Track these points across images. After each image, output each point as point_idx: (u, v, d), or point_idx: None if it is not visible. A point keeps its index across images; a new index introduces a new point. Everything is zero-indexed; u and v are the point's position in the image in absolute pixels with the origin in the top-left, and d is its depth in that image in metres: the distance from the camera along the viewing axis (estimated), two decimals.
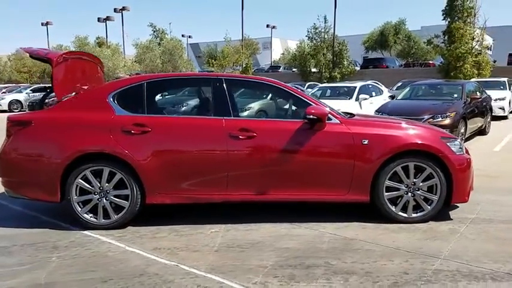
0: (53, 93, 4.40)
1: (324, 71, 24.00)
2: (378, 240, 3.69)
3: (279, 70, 35.03)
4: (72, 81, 4.52)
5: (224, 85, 4.17)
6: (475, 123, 9.57)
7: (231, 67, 29.41)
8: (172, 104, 4.64)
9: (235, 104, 4.25)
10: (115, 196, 4.01)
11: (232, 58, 29.68)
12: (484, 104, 10.48)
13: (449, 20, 20.21)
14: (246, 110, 6.32)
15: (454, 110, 8.66)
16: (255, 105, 10.03)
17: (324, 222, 4.12)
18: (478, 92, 10.39)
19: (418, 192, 4.07)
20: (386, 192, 4.05)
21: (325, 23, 24.79)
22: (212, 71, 30.11)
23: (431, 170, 4.02)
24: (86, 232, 3.97)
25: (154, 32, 33.54)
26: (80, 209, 4.02)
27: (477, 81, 12.99)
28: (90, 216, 4.04)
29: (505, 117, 13.84)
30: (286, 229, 3.99)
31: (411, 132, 4.15)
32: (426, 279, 2.95)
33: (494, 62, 22.13)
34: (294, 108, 4.29)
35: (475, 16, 19.59)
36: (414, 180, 4.05)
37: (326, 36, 24.48)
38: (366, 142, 3.99)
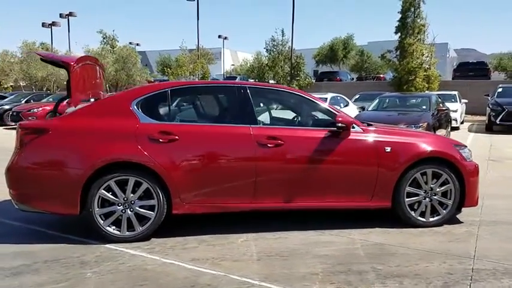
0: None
1: (282, 82, 24.45)
2: (407, 244, 3.83)
3: (236, 81, 35.22)
4: (84, 87, 4.31)
5: (249, 93, 4.17)
6: (440, 133, 10.22)
7: (187, 76, 29.10)
8: (197, 112, 4.54)
9: (259, 112, 4.26)
10: (140, 207, 3.85)
11: (188, 67, 29.40)
12: (446, 115, 11.25)
13: (401, 36, 21.48)
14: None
15: (425, 121, 9.20)
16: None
17: (347, 229, 4.20)
18: (441, 104, 11.13)
19: (435, 197, 4.29)
20: (406, 198, 4.23)
21: (282, 36, 25.42)
22: (167, 80, 29.66)
23: (447, 175, 4.26)
24: (108, 246, 3.77)
25: (104, 38, 32.42)
26: (102, 221, 3.81)
27: (411, 95, 13.91)
28: (113, 229, 3.84)
29: (457, 128, 14.88)
30: (315, 236, 4.03)
31: (428, 140, 4.39)
32: (473, 279, 3.11)
33: (439, 76, 23.72)
34: (316, 116, 4.36)
35: (424, 33, 21.00)
36: (431, 185, 4.27)
37: (283, 49, 25.06)
38: (388, 150, 4.15)
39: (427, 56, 20.73)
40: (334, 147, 4.09)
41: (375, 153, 4.14)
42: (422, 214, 4.30)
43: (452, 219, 4.43)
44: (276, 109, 4.67)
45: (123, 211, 3.83)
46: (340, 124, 4.03)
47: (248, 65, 28.95)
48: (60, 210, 3.87)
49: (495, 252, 3.61)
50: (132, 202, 3.84)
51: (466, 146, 4.53)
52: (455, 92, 16.87)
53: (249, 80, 32.51)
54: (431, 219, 4.31)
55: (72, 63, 4.00)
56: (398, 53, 21.69)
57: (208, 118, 4.35)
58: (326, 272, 3.23)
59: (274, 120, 4.46)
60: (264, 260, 3.47)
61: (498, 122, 14.14)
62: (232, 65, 54.72)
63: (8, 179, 3.88)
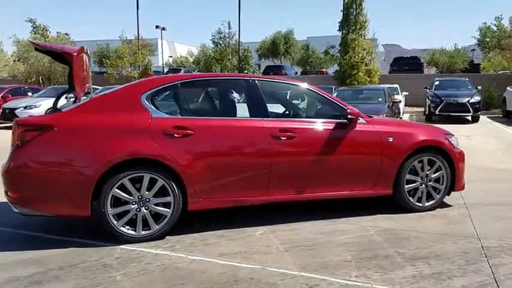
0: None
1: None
2: (414, 228, 4.07)
3: (180, 73, 34.46)
4: (83, 79, 4.03)
5: (259, 86, 4.16)
6: None
7: (127, 68, 27.99)
8: (209, 105, 4.42)
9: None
10: (155, 204, 3.71)
11: (128, 58, 28.26)
12: (397, 106, 11.96)
13: (343, 31, 22.33)
14: None
15: (384, 112, 9.74)
16: None
17: (353, 217, 4.35)
18: (393, 96, 11.81)
19: (430, 183, 4.59)
20: (406, 185, 4.48)
21: (229, 28, 25.33)
22: (105, 72, 28.32)
23: (440, 162, 4.58)
24: (123, 247, 3.59)
25: (34, 28, 30.16)
26: (115, 221, 3.62)
27: (367, 88, 14.69)
28: (127, 229, 3.66)
29: (400, 119, 15.86)
30: (328, 226, 4.13)
31: (424, 130, 4.67)
32: (487, 256, 3.39)
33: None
34: (324, 108, 4.46)
35: (365, 29, 22.00)
36: (427, 172, 4.56)
37: (231, 42, 24.99)
38: (391, 140, 4.36)
39: (368, 51, 21.72)
40: (343, 139, 4.22)
41: (379, 143, 4.33)
42: (419, 199, 4.58)
43: (442, 203, 4.76)
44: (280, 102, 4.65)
45: (138, 210, 3.67)
46: (350, 116, 4.16)
47: (193, 57, 28.38)
48: (69, 213, 3.61)
49: (493, 231, 3.96)
50: (147, 200, 3.68)
51: (454, 135, 4.88)
52: (397, 85, 17.93)
53: (194, 72, 32.06)
54: (426, 204, 4.60)
55: (74, 54, 3.73)
56: (341, 48, 22.49)
57: (221, 111, 4.26)
58: (357, 259, 3.34)
59: (284, 113, 4.49)
60: (292, 251, 3.51)
61: (437, 113, 15.27)
62: (170, 56, 53.41)
63: (7, 181, 3.54)
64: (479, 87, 16.68)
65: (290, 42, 37.75)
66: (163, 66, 43.46)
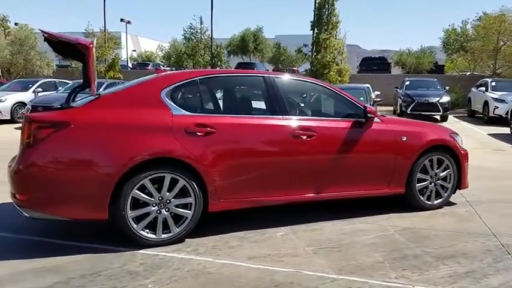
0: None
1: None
2: (430, 226, 4.10)
3: (148, 68, 33.57)
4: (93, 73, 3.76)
5: (277, 83, 4.05)
6: None
7: (94, 61, 26.92)
8: (229, 103, 4.24)
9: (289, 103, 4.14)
10: (176, 206, 3.53)
11: (95, 52, 27.22)
12: (375, 105, 12.18)
13: (316, 31, 22.53)
14: None
15: None
16: None
17: (368, 216, 4.33)
18: (372, 95, 12.01)
19: (438, 182, 4.66)
20: (417, 183, 4.53)
21: (201, 24, 24.93)
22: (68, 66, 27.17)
23: (448, 161, 4.66)
24: (143, 251, 3.39)
25: None
26: (135, 225, 3.41)
27: (347, 87, 14.93)
28: (147, 232, 3.47)
29: None
30: (347, 226, 4.09)
31: (434, 129, 4.74)
32: (510, 253, 3.47)
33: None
34: (341, 107, 4.41)
35: (337, 29, 22.29)
36: (436, 171, 4.63)
37: (203, 37, 24.59)
38: (404, 139, 4.38)
39: (339, 51, 22.04)
40: (360, 137, 4.19)
41: (394, 142, 4.34)
42: (428, 198, 4.64)
43: (447, 201, 4.84)
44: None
45: (158, 212, 3.48)
46: (370, 115, 4.14)
47: (163, 51, 27.68)
48: (85, 216, 3.37)
49: (505, 229, 4.05)
50: (168, 201, 3.50)
51: (458, 134, 4.99)
52: (368, 85, 18.31)
53: (162, 67, 31.36)
54: (435, 202, 4.67)
55: (90, 46, 3.47)
56: (313, 47, 22.70)
57: (241, 109, 4.11)
58: (388, 260, 3.32)
59: (302, 111, 4.40)
60: (321, 253, 3.44)
61: (409, 112, 15.71)
62: (134, 50, 52.06)
63: (17, 183, 3.25)
64: (447, 88, 17.33)
65: (259, 40, 37.72)
66: (127, 60, 42.28)
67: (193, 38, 24.63)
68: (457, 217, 4.44)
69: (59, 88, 15.70)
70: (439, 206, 4.69)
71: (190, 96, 3.76)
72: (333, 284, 2.90)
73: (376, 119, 4.33)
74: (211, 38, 24.82)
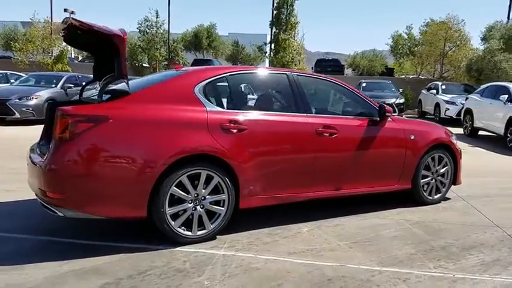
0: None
1: (158, 67, 23.48)
2: (439, 220, 4.35)
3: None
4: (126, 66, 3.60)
5: (300, 81, 4.11)
6: None
7: (40, 53, 25.35)
8: (257, 100, 4.19)
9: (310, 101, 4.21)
10: (210, 203, 3.48)
11: (41, 43, 25.61)
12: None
13: (275, 30, 22.81)
14: None
15: None
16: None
17: (377, 212, 4.51)
18: None
19: (438, 178, 4.96)
20: (422, 179, 4.79)
21: (157, 17, 24.25)
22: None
23: (447, 159, 4.97)
24: (179, 249, 3.33)
25: None
26: (173, 222, 3.32)
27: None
28: (183, 230, 3.39)
29: None
30: (364, 220, 4.23)
31: (435, 129, 5.02)
32: None
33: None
34: (357, 105, 4.53)
35: (296, 30, 22.71)
36: (436, 168, 4.92)
37: (158, 31, 23.94)
38: (412, 137, 4.62)
39: (298, 52, 22.49)
40: (376, 136, 4.36)
41: (404, 140, 4.56)
42: (430, 193, 4.92)
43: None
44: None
45: (194, 209, 3.41)
46: (388, 113, 4.32)
47: None
48: (123, 214, 3.22)
49: (505, 221, 4.38)
50: (203, 198, 3.44)
51: (452, 133, 5.32)
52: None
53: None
54: (435, 197, 4.96)
55: (125, 37, 3.30)
56: (272, 46, 22.97)
57: (268, 106, 4.10)
58: (420, 251, 3.49)
59: (323, 109, 4.47)
60: (355, 247, 3.54)
61: None
62: None
63: (50, 180, 3.04)
64: (401, 90, 18.30)
65: (213, 36, 37.43)
66: (71, 52, 40.20)
67: (147, 31, 23.91)
68: (458, 211, 4.75)
69: (12, 81, 14.64)
70: (438, 201, 4.99)
71: (221, 92, 3.71)
72: (382, 276, 3.02)
73: (388, 118, 4.52)
74: (168, 32, 24.27)
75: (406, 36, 27.75)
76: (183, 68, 4.21)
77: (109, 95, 3.34)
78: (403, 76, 29.67)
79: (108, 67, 4.12)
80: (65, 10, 47.78)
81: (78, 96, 4.28)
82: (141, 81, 3.77)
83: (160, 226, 3.29)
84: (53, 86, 12.71)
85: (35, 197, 4.27)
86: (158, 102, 3.36)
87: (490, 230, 4.12)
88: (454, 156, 5.02)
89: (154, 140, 3.21)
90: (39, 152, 3.52)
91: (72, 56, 37.98)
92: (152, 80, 3.86)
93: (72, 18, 3.23)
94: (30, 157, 3.54)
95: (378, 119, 4.40)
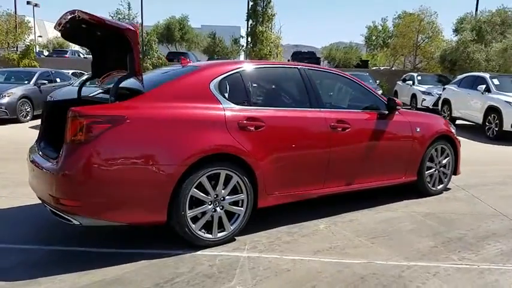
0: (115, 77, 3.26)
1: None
2: (446, 210, 4.40)
3: (66, 55, 30.90)
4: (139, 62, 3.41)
5: (312, 75, 4.03)
6: None
7: (5, 48, 24.22)
8: (271, 95, 4.04)
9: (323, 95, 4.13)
10: (230, 203, 3.37)
11: (5, 37, 24.47)
12: None
13: (252, 23, 22.60)
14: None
15: None
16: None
17: (387, 204, 4.52)
18: None
19: (441, 169, 5.02)
20: (426, 171, 4.83)
21: (129, 9, 23.57)
22: None
23: (448, 150, 5.03)
24: (199, 253, 3.20)
25: None
26: (194, 225, 3.19)
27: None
28: (204, 232, 3.26)
29: None
30: (377, 215, 4.21)
31: (438, 120, 5.07)
32: None
33: None
34: (366, 99, 4.49)
35: (272, 22, 22.58)
36: (439, 159, 4.98)
37: None
38: (418, 130, 4.64)
39: (275, 45, 22.40)
40: (385, 129, 4.34)
41: (411, 133, 4.57)
42: (433, 184, 4.97)
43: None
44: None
45: (214, 210, 3.29)
46: (398, 106, 4.31)
47: None
48: (143, 219, 3.06)
49: (508, 209, 4.49)
50: (223, 199, 3.32)
51: (452, 124, 5.39)
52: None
53: (84, 56, 29.28)
54: (438, 188, 5.02)
55: (138, 31, 3.12)
56: (250, 39, 22.78)
57: (283, 101, 3.99)
58: (439, 243, 3.51)
59: (335, 104, 4.40)
60: (377, 242, 3.51)
61: None
62: (40, 36, 47.71)
63: (65, 186, 2.84)
64: (378, 81, 18.55)
65: (186, 29, 36.82)
66: (36, 47, 38.67)
67: None
68: (462, 201, 4.82)
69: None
70: (441, 192, 5.05)
71: (235, 88, 3.57)
72: (411, 271, 3.00)
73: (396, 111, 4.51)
74: (141, 26, 23.63)
75: (380, 28, 28.16)
76: (191, 63, 4.05)
77: (118, 94, 3.16)
78: (376, 68, 30.16)
79: (109, 63, 3.93)
80: (28, 3, 45.68)
81: (76, 94, 4.04)
82: (150, 78, 3.59)
83: (181, 230, 3.15)
84: (26, 82, 12.11)
85: (34, 203, 4.11)
86: (174, 100, 3.20)
87: (497, 219, 4.19)
88: (455, 146, 5.09)
89: (173, 140, 3.06)
90: (43, 155, 3.30)
91: (37, 51, 36.50)
92: (163, 76, 3.68)
93: (81, 11, 3.02)
94: (33, 160, 3.32)
95: (386, 112, 4.39)
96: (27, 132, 9.31)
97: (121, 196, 2.92)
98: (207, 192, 3.23)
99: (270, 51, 22.02)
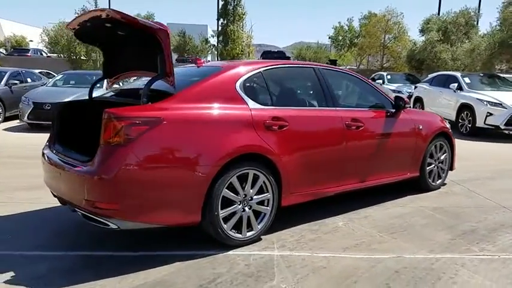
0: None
1: (100, 59, 22.21)
2: (451, 204, 4.58)
3: (28, 54, 29.54)
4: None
5: (326, 75, 4.09)
6: None
7: None
8: (291, 95, 4.02)
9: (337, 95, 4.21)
10: (257, 203, 3.38)
11: None
12: None
13: (223, 21, 22.53)
14: None
15: None
16: None
17: (393, 200, 4.65)
18: None
19: (440, 165, 5.22)
20: (427, 167, 5.01)
21: (95, 6, 22.79)
22: None
23: (446, 146, 5.25)
24: (230, 252, 3.19)
25: None
26: (225, 225, 3.18)
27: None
28: (234, 232, 3.26)
29: None
30: (388, 211, 4.32)
31: (436, 118, 5.26)
32: None
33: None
34: (374, 98, 4.59)
35: (243, 21, 22.60)
36: (438, 155, 5.18)
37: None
38: (420, 127, 4.81)
39: (247, 44, 22.44)
40: (393, 127, 4.47)
41: (415, 130, 4.74)
42: (433, 179, 5.17)
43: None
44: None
45: (243, 210, 3.29)
46: (407, 105, 4.45)
47: (45, 36, 24.51)
48: (179, 221, 3.02)
49: (506, 202, 4.72)
50: (251, 198, 3.32)
51: (447, 120, 5.61)
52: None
53: (44, 54, 28.16)
54: (437, 183, 5.23)
55: (169, 32, 3.05)
56: (221, 38, 22.69)
57: (302, 101, 4.01)
58: (456, 236, 3.66)
59: (347, 103, 4.46)
60: (399, 238, 3.60)
61: None
62: None
63: (103, 190, 2.75)
64: None
65: None
66: None
67: None
68: (461, 195, 5.03)
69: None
70: (439, 187, 5.26)
71: (258, 88, 3.58)
72: (440, 263, 3.12)
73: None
74: None
75: (347, 28, 28.82)
76: (209, 63, 4.01)
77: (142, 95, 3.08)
78: (343, 67, 30.80)
79: (121, 64, 3.83)
80: None
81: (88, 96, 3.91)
82: (183, 76, 3.53)
83: (214, 230, 3.13)
84: None
85: (38, 208, 3.99)
86: (203, 101, 3.16)
87: (500, 211, 4.42)
88: (452, 143, 5.31)
89: (207, 141, 3.03)
90: (66, 157, 3.18)
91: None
92: (187, 77, 3.61)
93: (113, 10, 2.93)
94: (56, 163, 3.20)
95: (393, 110, 4.52)
96: (0, 135, 8.89)
97: (159, 198, 2.87)
98: (236, 192, 3.23)
99: (242, 51, 22.03)
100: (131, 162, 2.74)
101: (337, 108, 4.01)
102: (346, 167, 4.05)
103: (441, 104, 12.29)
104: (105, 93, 4.02)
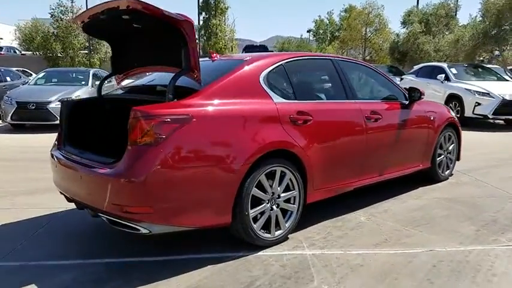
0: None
1: (77, 56, 21.60)
2: (465, 195, 4.57)
3: (2, 52, 28.42)
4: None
5: (344, 67, 4.00)
6: None
7: None
8: (312, 88, 3.87)
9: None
10: (284, 201, 3.26)
11: None
12: None
13: (205, 15, 22.18)
14: None
15: None
16: None
17: (406, 193, 4.62)
18: None
19: (448, 155, 5.22)
20: (437, 158, 5.00)
21: (72, 2, 22.10)
22: None
23: (453, 136, 5.25)
24: (262, 253, 3.09)
25: None
26: (255, 225, 3.05)
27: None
28: (263, 232, 3.14)
29: None
30: (403, 204, 4.27)
31: (444, 109, 5.24)
32: None
33: None
34: (389, 90, 4.52)
35: (225, 15, 22.32)
36: (447, 145, 5.17)
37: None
38: (432, 118, 4.78)
39: (230, 38, 22.20)
40: (408, 118, 4.43)
41: (427, 121, 4.71)
42: (442, 170, 5.17)
43: None
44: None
45: (271, 209, 3.17)
46: (423, 96, 4.40)
47: (21, 32, 23.57)
48: (211, 222, 2.87)
49: None
50: (278, 196, 3.21)
51: (452, 111, 5.61)
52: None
53: (22, 52, 27.21)
54: (446, 173, 5.23)
55: (194, 23, 2.88)
56: (204, 32, 22.37)
57: (323, 94, 3.90)
58: (480, 227, 3.63)
59: (364, 95, 4.36)
60: (424, 231, 3.54)
61: None
62: None
63: (134, 193, 2.58)
64: None
65: None
66: None
67: (62, 16, 21.65)
68: (471, 185, 5.05)
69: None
70: (447, 177, 5.26)
71: (280, 81, 3.44)
72: (473, 254, 3.08)
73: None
74: None
75: (327, 22, 28.90)
76: (221, 56, 3.85)
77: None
78: None
79: (131, 59, 3.64)
80: None
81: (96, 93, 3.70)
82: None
83: (244, 231, 3.00)
84: None
85: (44, 213, 3.82)
86: (229, 97, 3.02)
87: None
88: (459, 133, 5.31)
89: (236, 139, 2.90)
90: (83, 158, 2.99)
91: None
92: (207, 72, 3.44)
93: (133, 0, 2.73)
94: (70, 165, 3.01)
95: (407, 102, 4.47)
96: None
97: (191, 199, 2.72)
98: (265, 191, 3.11)
99: (225, 45, 21.78)
100: (163, 162, 2.59)
101: (357, 100, 3.93)
102: (366, 160, 3.98)
103: (429, 95, 12.37)
104: (112, 90, 3.82)
